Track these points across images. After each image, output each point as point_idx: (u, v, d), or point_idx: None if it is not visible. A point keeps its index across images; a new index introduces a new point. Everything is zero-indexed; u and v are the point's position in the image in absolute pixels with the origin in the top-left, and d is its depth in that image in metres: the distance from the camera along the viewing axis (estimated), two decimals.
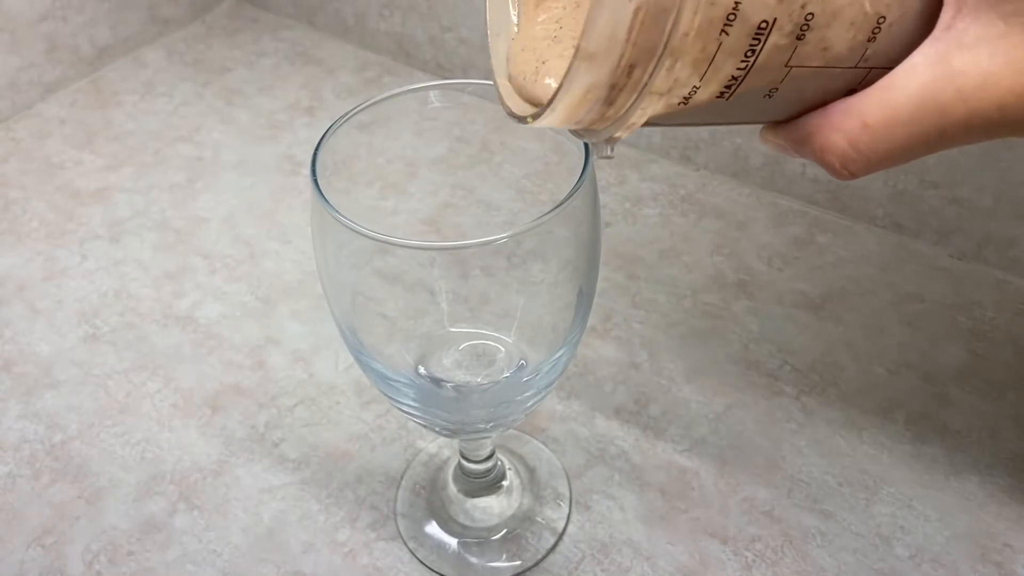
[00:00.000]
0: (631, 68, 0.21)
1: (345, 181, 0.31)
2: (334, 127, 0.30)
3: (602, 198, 0.57)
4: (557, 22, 0.26)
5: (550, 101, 0.22)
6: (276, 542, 0.40)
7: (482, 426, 0.33)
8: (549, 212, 0.26)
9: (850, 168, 0.24)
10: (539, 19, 0.26)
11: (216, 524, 0.41)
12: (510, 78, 0.26)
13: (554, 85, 0.23)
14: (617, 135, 0.24)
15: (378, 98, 0.31)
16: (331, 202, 0.27)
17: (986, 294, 0.50)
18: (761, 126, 0.26)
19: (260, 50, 0.73)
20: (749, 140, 0.56)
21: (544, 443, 0.44)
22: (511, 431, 0.44)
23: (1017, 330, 0.48)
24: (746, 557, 0.39)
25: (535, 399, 0.33)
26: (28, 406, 0.46)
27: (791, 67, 0.22)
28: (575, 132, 0.25)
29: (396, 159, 0.33)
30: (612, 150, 0.25)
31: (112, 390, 0.47)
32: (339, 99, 0.67)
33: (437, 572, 0.39)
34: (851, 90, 0.24)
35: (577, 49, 0.21)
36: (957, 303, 0.50)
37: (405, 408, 0.33)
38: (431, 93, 0.32)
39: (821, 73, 0.23)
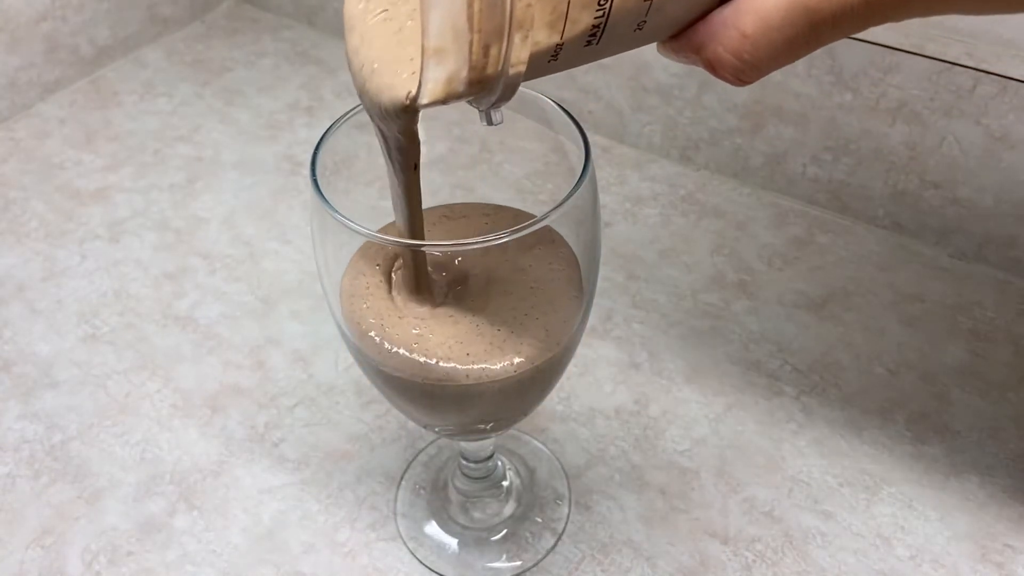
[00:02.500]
0: (487, 48, 0.21)
1: (345, 181, 0.31)
2: (334, 127, 0.30)
3: (602, 198, 0.57)
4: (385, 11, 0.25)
5: (417, 90, 0.22)
6: (276, 542, 0.40)
7: (482, 427, 0.33)
8: (549, 212, 0.26)
9: (742, 77, 0.25)
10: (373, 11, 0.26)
11: (216, 524, 0.41)
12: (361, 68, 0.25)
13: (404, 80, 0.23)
14: (498, 102, 0.24)
15: None
16: (331, 202, 0.27)
17: (986, 294, 0.50)
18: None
19: (260, 50, 0.73)
20: (749, 140, 0.56)
21: (544, 443, 0.44)
22: (511, 431, 0.44)
23: (1017, 330, 0.48)
24: (746, 557, 0.39)
25: (535, 399, 0.33)
26: (28, 406, 0.46)
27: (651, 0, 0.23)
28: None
29: None
30: (500, 115, 0.25)
31: (112, 390, 0.47)
32: (339, 99, 0.67)
33: (437, 572, 0.39)
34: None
35: (423, 48, 0.21)
36: (957, 303, 0.50)
37: (405, 408, 0.33)
38: None
39: None
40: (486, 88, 0.23)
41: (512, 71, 0.22)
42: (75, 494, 0.42)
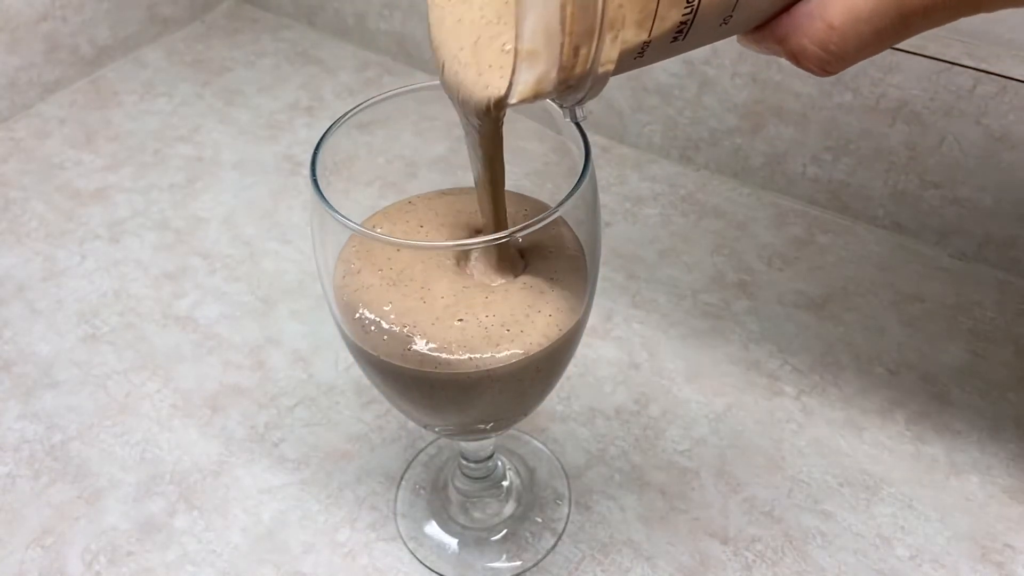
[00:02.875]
0: (576, 49, 0.22)
1: (345, 181, 0.31)
2: (334, 127, 0.30)
3: (602, 198, 0.57)
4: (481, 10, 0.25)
5: (507, 89, 0.22)
6: (276, 542, 0.40)
7: (482, 426, 0.33)
8: (549, 212, 0.26)
9: (827, 68, 0.25)
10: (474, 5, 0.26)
11: (216, 524, 0.41)
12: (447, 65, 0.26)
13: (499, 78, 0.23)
14: (585, 98, 0.24)
15: (378, 98, 0.31)
16: (331, 202, 0.27)
17: (986, 294, 0.50)
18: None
19: (260, 50, 0.73)
20: (749, 140, 0.56)
21: (544, 443, 0.44)
22: (511, 431, 0.44)
23: (1017, 330, 0.48)
24: (746, 557, 0.39)
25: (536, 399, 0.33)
26: (28, 406, 0.46)
27: None
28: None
29: (396, 159, 0.33)
30: (584, 111, 0.25)
31: (112, 390, 0.47)
32: (339, 99, 0.67)
33: (437, 572, 0.39)
34: None
35: (515, 51, 0.21)
36: (957, 303, 0.50)
37: (405, 408, 0.33)
38: (431, 93, 0.32)
39: None
40: (574, 87, 0.23)
41: (601, 70, 0.22)
42: (75, 494, 0.42)
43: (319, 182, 0.28)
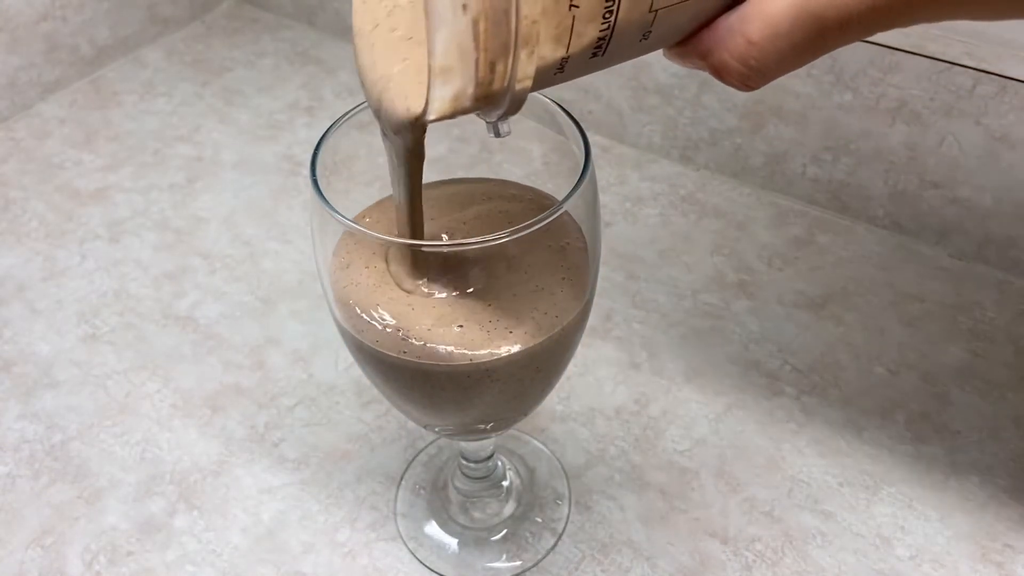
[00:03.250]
0: (492, 65, 0.21)
1: (345, 181, 0.31)
2: (334, 127, 0.30)
3: (602, 198, 0.57)
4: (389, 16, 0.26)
5: (424, 107, 0.22)
6: (276, 542, 0.40)
7: (482, 427, 0.33)
8: (549, 213, 0.26)
9: (748, 83, 0.25)
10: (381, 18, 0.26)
11: (216, 524, 0.41)
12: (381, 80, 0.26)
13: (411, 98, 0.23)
14: (506, 114, 0.24)
15: None
16: (331, 202, 0.27)
17: (986, 294, 0.50)
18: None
19: (260, 50, 0.73)
20: (749, 140, 0.56)
21: (544, 443, 0.44)
22: (511, 431, 0.44)
23: (1017, 330, 0.48)
24: (746, 557, 0.39)
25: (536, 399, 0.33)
26: (28, 406, 0.46)
27: (656, 10, 0.23)
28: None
29: None
30: (508, 128, 0.25)
31: (112, 390, 0.47)
32: (339, 99, 0.67)
33: (437, 572, 0.39)
34: (729, 5, 0.24)
35: (429, 67, 0.21)
36: (957, 303, 0.50)
37: (404, 408, 0.33)
38: None
39: (690, 2, 0.23)
40: (492, 103, 0.23)
41: (518, 86, 0.22)
42: (75, 494, 0.42)
43: (319, 182, 0.28)
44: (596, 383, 0.46)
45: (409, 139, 0.25)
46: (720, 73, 0.25)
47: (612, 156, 0.60)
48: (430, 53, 0.21)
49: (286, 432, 0.45)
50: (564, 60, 0.22)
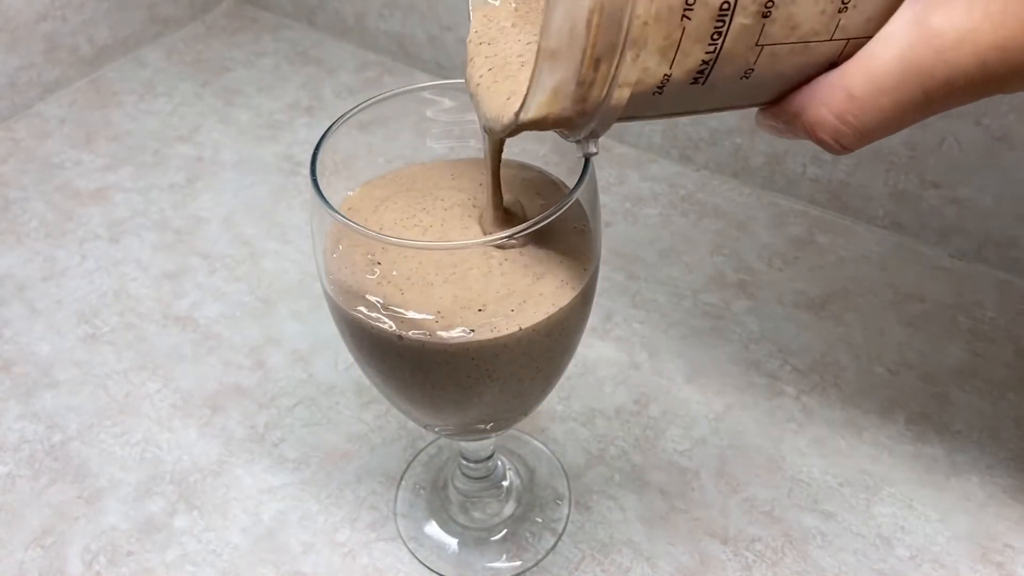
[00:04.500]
0: (597, 62, 0.21)
1: (345, 181, 0.31)
2: (334, 127, 0.30)
3: (602, 198, 0.57)
4: (527, 43, 0.26)
5: (523, 103, 0.23)
6: (276, 542, 0.40)
7: (482, 427, 0.33)
8: (549, 212, 0.26)
9: (842, 142, 0.24)
10: (514, 38, 0.27)
11: (216, 524, 0.41)
12: (477, 86, 0.26)
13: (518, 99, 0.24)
14: (597, 130, 0.24)
15: (378, 98, 0.31)
16: (331, 202, 0.27)
17: (986, 294, 0.50)
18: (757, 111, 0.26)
19: (260, 50, 0.73)
20: (749, 140, 0.56)
21: (544, 443, 0.44)
22: (511, 431, 0.44)
23: (1017, 330, 0.48)
24: (746, 557, 0.39)
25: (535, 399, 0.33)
26: (28, 406, 0.46)
27: (762, 46, 0.22)
28: (558, 132, 0.25)
29: (396, 159, 0.33)
30: (596, 146, 0.25)
31: (112, 390, 0.47)
32: (339, 99, 0.67)
33: (437, 572, 0.39)
34: (833, 63, 0.24)
35: (539, 49, 0.21)
36: (957, 303, 0.50)
37: (405, 408, 0.33)
38: (431, 93, 0.32)
39: (796, 49, 0.23)
40: (588, 111, 0.23)
41: (616, 94, 0.22)
42: (75, 494, 0.42)
43: (319, 182, 0.28)
44: (596, 383, 0.46)
45: (502, 136, 0.26)
46: (814, 130, 0.24)
47: (612, 156, 0.60)
48: (543, 32, 0.21)
49: (286, 432, 0.45)
50: (666, 78, 0.22)
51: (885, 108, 0.22)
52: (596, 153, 0.25)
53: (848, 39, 0.23)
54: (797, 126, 0.24)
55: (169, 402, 0.46)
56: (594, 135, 0.24)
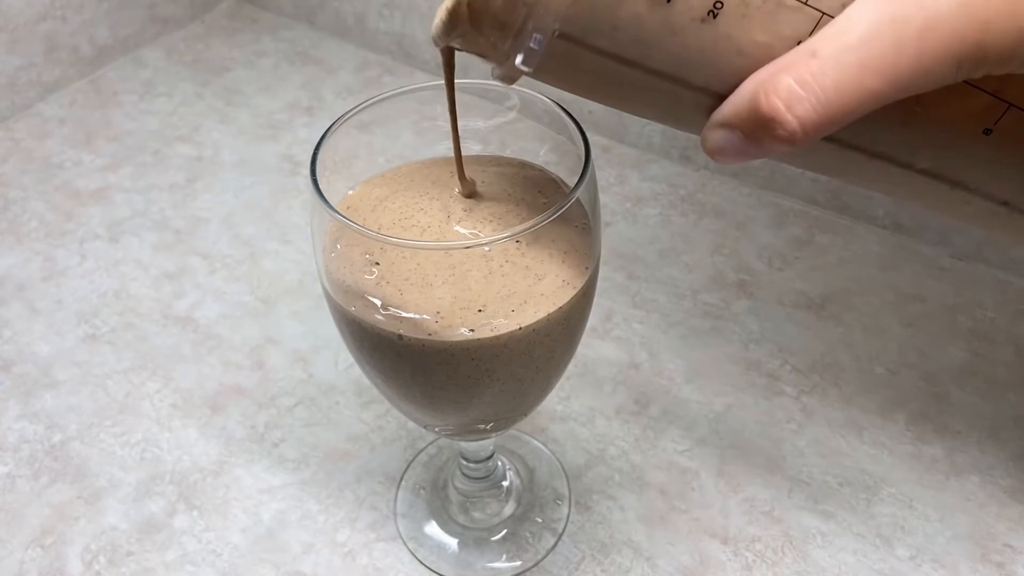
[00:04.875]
0: None
1: (345, 181, 0.31)
2: (334, 127, 0.30)
3: (602, 198, 0.57)
4: None
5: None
6: (276, 542, 0.40)
7: (482, 427, 0.33)
8: (549, 212, 0.26)
9: (796, 110, 0.20)
10: None
11: (216, 524, 0.41)
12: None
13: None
14: (536, 28, 0.22)
15: (378, 98, 0.31)
16: (331, 202, 0.27)
17: (986, 294, 0.50)
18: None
19: (260, 50, 0.73)
20: None
21: (544, 443, 0.44)
22: (511, 431, 0.44)
23: (1017, 330, 0.48)
24: (746, 557, 0.39)
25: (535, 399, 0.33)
26: (28, 406, 0.46)
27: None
28: (479, 55, 0.24)
29: (396, 159, 0.33)
30: (532, 63, 0.23)
31: (112, 390, 0.47)
32: (339, 99, 0.67)
33: (437, 572, 0.39)
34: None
35: None
36: (957, 303, 0.50)
37: (405, 408, 0.33)
38: (431, 93, 0.32)
39: (767, 8, 0.21)
40: (501, 25, 0.21)
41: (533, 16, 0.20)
42: (75, 494, 0.42)
43: (319, 182, 0.28)
44: (596, 383, 0.46)
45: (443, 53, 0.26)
46: (768, 97, 0.20)
47: (612, 156, 0.60)
48: None
49: (286, 432, 0.45)
50: None
51: (849, 66, 0.19)
52: (530, 72, 0.22)
53: (823, 13, 0.21)
54: (753, 112, 0.21)
55: (169, 402, 0.46)
56: (526, 60, 0.21)
